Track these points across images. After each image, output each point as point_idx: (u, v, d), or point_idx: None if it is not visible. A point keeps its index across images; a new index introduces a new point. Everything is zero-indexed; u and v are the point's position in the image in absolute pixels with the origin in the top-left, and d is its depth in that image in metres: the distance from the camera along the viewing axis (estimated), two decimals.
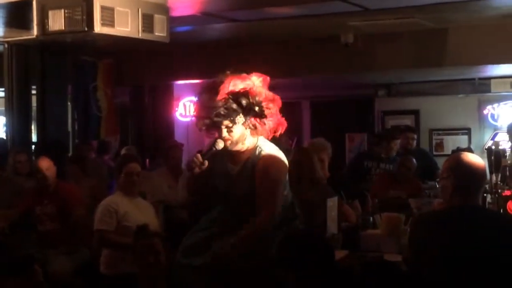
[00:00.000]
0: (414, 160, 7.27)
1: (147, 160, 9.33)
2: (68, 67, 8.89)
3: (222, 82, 3.84)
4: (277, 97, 3.93)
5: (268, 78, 3.95)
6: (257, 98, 3.84)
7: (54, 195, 6.24)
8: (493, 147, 6.33)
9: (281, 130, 3.96)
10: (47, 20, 5.93)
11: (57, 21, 5.88)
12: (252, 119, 3.87)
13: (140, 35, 6.12)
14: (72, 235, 6.14)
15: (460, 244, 3.29)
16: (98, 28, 5.78)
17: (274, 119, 3.92)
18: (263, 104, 3.86)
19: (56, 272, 5.70)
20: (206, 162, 3.87)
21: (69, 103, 9.18)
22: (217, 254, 3.85)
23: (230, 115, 3.81)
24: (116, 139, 10.53)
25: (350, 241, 4.95)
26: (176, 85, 10.92)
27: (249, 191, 3.88)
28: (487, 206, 5.38)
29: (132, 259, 4.50)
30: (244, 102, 3.81)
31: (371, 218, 5.38)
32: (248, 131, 3.91)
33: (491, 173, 5.76)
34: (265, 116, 3.87)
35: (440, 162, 7.31)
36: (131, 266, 4.53)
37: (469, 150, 8.05)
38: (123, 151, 9.10)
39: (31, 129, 8.61)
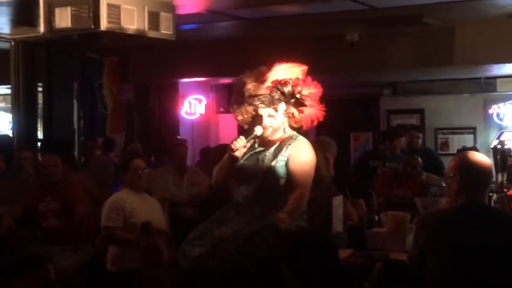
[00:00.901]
0: (419, 159, 7.26)
1: (152, 157, 9.34)
2: (74, 64, 8.90)
3: (266, 72, 4.04)
4: (318, 86, 4.12)
5: (306, 68, 4.15)
6: (298, 88, 4.01)
7: (58, 191, 6.25)
8: (499, 146, 6.33)
9: (319, 119, 4.12)
10: (54, 18, 5.94)
11: (63, 19, 5.89)
12: (292, 107, 4.01)
13: (146, 32, 6.13)
14: (76, 232, 6.14)
15: (466, 243, 3.29)
16: (104, 25, 5.79)
17: (313, 109, 4.08)
18: (304, 93, 4.02)
19: (61, 269, 5.70)
20: (248, 145, 4.03)
21: (75, 101, 9.19)
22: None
23: (274, 103, 3.97)
24: (122, 136, 10.54)
25: (355, 240, 4.94)
26: (182, 83, 10.92)
27: (277, 172, 3.99)
28: (493, 205, 5.38)
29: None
30: (286, 90, 3.99)
31: (376, 217, 5.38)
32: (286, 120, 4.06)
33: (496, 172, 5.77)
34: (305, 105, 4.03)
35: (446, 161, 7.31)
36: (138, 263, 4.54)
37: (475, 149, 8.03)
38: (128, 148, 9.13)
39: (37, 127, 8.62)
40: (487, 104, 10.67)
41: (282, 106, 4.02)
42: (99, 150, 9.16)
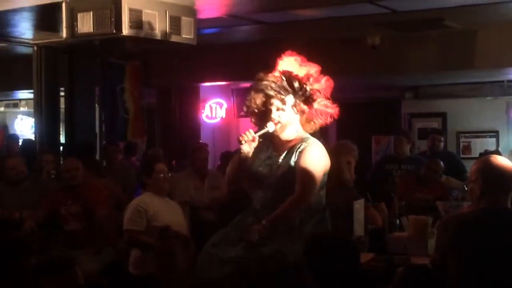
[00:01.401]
0: (441, 162, 7.22)
1: (173, 161, 9.37)
2: (96, 69, 8.96)
3: (278, 61, 4.01)
4: (330, 82, 4.03)
5: (320, 69, 4.06)
6: (308, 84, 3.94)
7: (78, 195, 6.29)
8: None
9: (331, 118, 4.02)
10: (76, 23, 5.98)
11: (85, 24, 5.93)
12: (302, 103, 3.94)
13: (167, 37, 6.15)
14: (97, 235, 6.18)
15: (488, 246, 3.27)
16: (126, 30, 5.82)
17: (324, 107, 4.00)
18: (314, 90, 3.95)
19: (83, 273, 5.73)
20: (257, 141, 3.96)
21: (96, 105, 9.24)
22: (247, 233, 3.85)
23: (280, 92, 3.90)
24: (143, 141, 10.58)
25: (376, 243, 4.92)
26: (203, 87, 10.95)
27: (291, 177, 3.91)
28: None
29: None
30: (295, 83, 3.92)
31: (398, 221, 5.35)
32: (297, 118, 3.98)
33: None
34: (314, 101, 3.95)
35: (468, 165, 7.26)
36: (153, 266, 4.55)
37: (497, 153, 7.98)
38: (149, 153, 9.16)
39: (59, 131, 8.69)
40: (509, 108, 10.57)
41: (290, 98, 3.94)
42: (121, 154, 9.21)
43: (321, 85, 4.01)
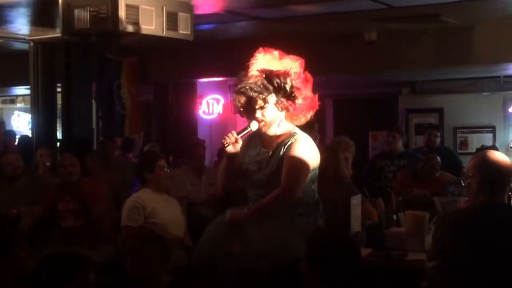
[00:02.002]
0: (438, 158, 7.23)
1: (171, 157, 9.37)
2: (93, 65, 8.95)
3: (257, 59, 3.97)
4: (310, 79, 3.98)
5: (303, 61, 4.00)
6: (288, 80, 3.88)
7: (76, 191, 6.27)
8: None
9: (313, 111, 3.99)
10: (73, 19, 5.97)
11: (82, 20, 5.92)
12: (285, 100, 3.90)
13: (164, 33, 6.14)
14: (95, 232, 6.17)
15: (485, 241, 3.28)
16: (123, 26, 5.81)
17: (306, 102, 3.96)
18: (295, 85, 3.90)
19: None
20: (240, 141, 3.93)
21: (93, 101, 9.24)
22: (229, 218, 3.83)
23: (262, 92, 3.85)
24: (140, 137, 10.58)
25: (373, 239, 4.93)
26: (200, 83, 10.95)
27: (275, 169, 3.89)
28: None
29: None
30: (275, 81, 3.87)
31: (395, 216, 5.36)
32: (282, 114, 3.94)
33: None
34: (296, 97, 3.91)
35: (465, 160, 7.27)
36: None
37: (494, 148, 7.99)
38: (146, 148, 9.16)
39: (56, 127, 8.68)
40: (506, 103, 10.59)
41: (272, 97, 3.89)
42: (118, 150, 9.20)
43: (301, 79, 3.95)
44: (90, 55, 8.66)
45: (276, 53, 4.01)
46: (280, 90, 3.89)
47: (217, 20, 7.82)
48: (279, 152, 3.93)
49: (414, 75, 10.44)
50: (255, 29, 8.42)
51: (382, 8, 7.18)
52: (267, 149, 4.00)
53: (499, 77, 10.20)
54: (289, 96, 3.91)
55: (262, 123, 3.92)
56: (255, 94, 3.87)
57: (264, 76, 3.90)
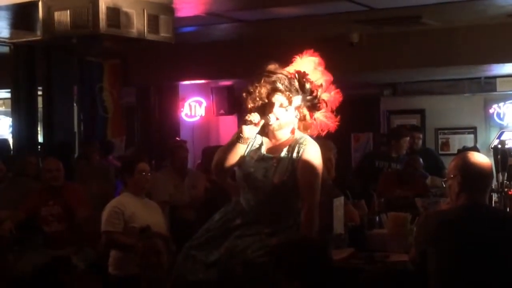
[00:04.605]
0: (420, 159, 7.26)
1: (153, 160, 9.33)
2: (74, 68, 8.90)
3: (296, 58, 3.94)
4: (339, 99, 3.96)
5: (331, 79, 3.98)
6: (320, 90, 3.85)
7: (59, 195, 6.24)
8: (499, 146, 6.34)
9: (329, 130, 3.95)
10: (53, 21, 5.93)
11: (62, 22, 5.88)
12: (306, 108, 3.84)
13: (145, 35, 6.11)
14: (78, 236, 6.14)
15: (467, 243, 3.29)
16: (103, 29, 5.78)
17: (325, 119, 3.91)
18: (322, 97, 3.86)
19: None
20: (258, 128, 3.79)
21: (75, 104, 9.19)
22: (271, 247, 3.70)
23: (291, 90, 3.78)
24: (122, 140, 10.54)
25: (356, 240, 4.93)
26: (182, 85, 10.92)
27: (287, 179, 3.79)
28: (493, 205, 5.37)
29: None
30: (307, 86, 3.81)
31: (377, 218, 5.37)
32: (296, 122, 3.86)
33: (497, 172, 5.77)
34: (318, 109, 3.86)
35: (446, 161, 7.31)
36: (137, 267, 4.54)
37: (475, 149, 8.04)
38: (127, 152, 9.13)
39: (37, 130, 8.63)
40: (487, 104, 10.67)
41: (297, 99, 3.79)
42: (98, 153, 9.15)
43: (330, 96, 3.92)
44: (71, 58, 8.63)
45: (316, 59, 3.98)
46: (307, 97, 3.82)
47: (198, 23, 7.81)
48: (289, 160, 3.81)
49: (395, 76, 10.48)
50: (236, 32, 8.41)
51: (363, 10, 7.21)
52: (272, 154, 3.88)
53: (479, 78, 10.27)
54: (313, 106, 3.85)
55: (277, 123, 3.81)
56: (284, 88, 3.77)
57: (297, 77, 3.83)
